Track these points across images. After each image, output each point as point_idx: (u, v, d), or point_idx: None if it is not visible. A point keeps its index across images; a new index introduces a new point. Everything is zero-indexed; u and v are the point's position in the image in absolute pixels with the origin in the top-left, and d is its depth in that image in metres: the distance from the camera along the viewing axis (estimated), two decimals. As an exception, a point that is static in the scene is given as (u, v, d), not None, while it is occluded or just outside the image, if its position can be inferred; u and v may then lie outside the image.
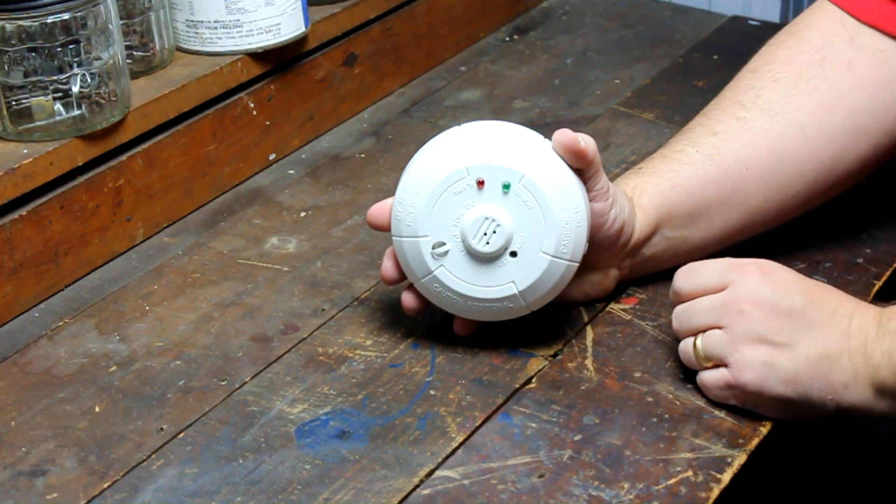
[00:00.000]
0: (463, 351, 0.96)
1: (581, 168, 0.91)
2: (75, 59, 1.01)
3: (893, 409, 0.86)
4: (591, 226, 0.92)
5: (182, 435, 0.89)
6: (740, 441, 0.87)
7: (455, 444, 0.87)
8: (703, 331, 0.89)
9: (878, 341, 0.85)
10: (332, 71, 1.26)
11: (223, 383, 0.94)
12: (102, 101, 1.04)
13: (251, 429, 0.89)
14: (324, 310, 1.01)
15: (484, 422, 0.89)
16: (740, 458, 0.85)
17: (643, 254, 0.99)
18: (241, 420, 0.90)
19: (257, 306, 1.02)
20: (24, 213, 1.00)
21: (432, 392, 0.92)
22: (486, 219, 0.90)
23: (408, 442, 0.87)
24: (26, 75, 1.00)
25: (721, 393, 0.88)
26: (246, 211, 1.15)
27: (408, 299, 0.95)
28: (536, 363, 0.94)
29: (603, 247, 0.95)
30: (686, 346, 0.90)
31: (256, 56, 1.17)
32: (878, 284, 1.01)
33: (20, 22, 0.98)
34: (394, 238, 0.93)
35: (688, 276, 0.90)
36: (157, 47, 1.13)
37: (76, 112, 1.03)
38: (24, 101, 1.02)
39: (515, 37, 1.44)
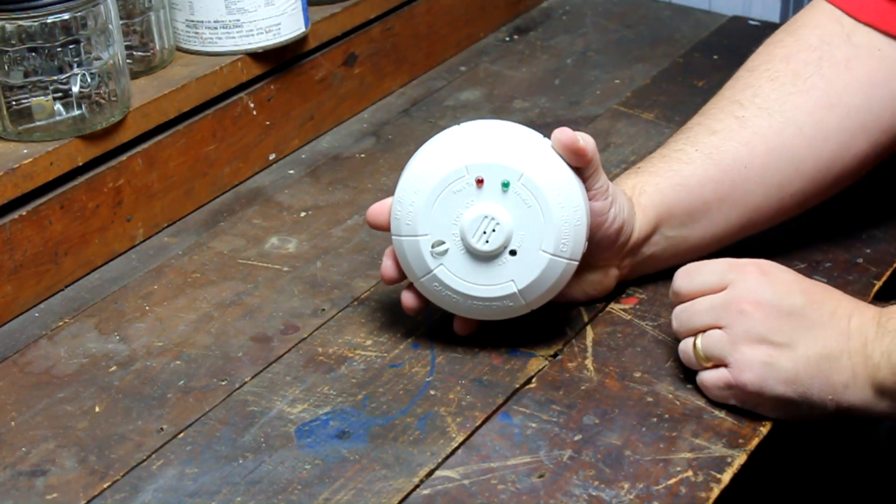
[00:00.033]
0: (463, 351, 0.96)
1: (580, 167, 0.91)
2: (75, 59, 1.01)
3: (893, 409, 0.86)
4: (591, 224, 0.92)
5: (182, 435, 0.89)
6: (740, 441, 0.87)
7: (455, 444, 0.87)
8: (703, 331, 0.89)
9: (877, 341, 0.85)
10: (332, 71, 1.26)
11: (223, 383, 0.94)
12: (102, 101, 1.04)
13: (251, 429, 0.89)
14: (324, 310, 1.01)
15: (484, 422, 0.89)
16: (740, 458, 0.85)
17: (643, 253, 0.99)
18: (241, 420, 0.90)
19: (257, 306, 1.02)
20: (24, 213, 1.00)
21: (432, 392, 0.92)
22: (486, 217, 0.90)
23: (408, 442, 0.87)
24: (26, 75, 1.00)
25: (721, 393, 0.88)
26: (246, 211, 1.15)
27: (407, 299, 0.95)
28: (536, 363, 0.94)
29: (602, 246, 0.95)
30: (686, 346, 0.90)
31: (256, 56, 1.17)
32: (878, 284, 1.01)
33: (20, 22, 0.98)
34: (393, 237, 0.93)
35: (688, 277, 0.91)
36: (157, 47, 1.13)
37: (76, 112, 1.03)
38: (24, 101, 1.02)
39: (515, 37, 1.44)
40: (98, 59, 1.02)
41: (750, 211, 1.00)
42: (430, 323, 0.98)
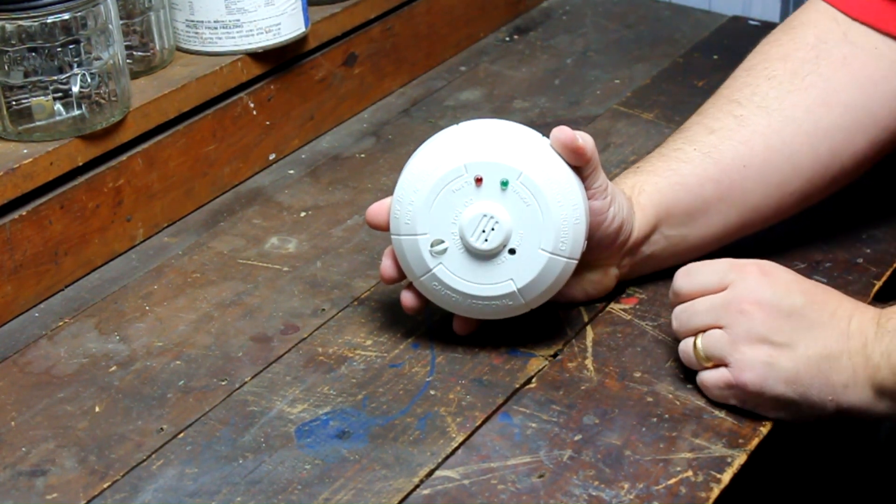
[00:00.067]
0: (463, 351, 0.96)
1: (579, 165, 0.91)
2: (75, 59, 1.01)
3: (893, 410, 0.86)
4: (590, 224, 0.92)
5: (182, 435, 0.89)
6: (740, 441, 0.87)
7: (455, 444, 0.87)
8: (704, 331, 0.89)
9: (876, 342, 0.85)
10: (332, 71, 1.26)
11: (223, 383, 0.94)
12: (102, 101, 1.04)
13: (251, 429, 0.89)
14: (324, 310, 1.01)
15: (484, 422, 0.89)
16: (740, 458, 0.85)
17: (643, 252, 0.99)
18: (241, 420, 0.90)
19: (257, 306, 1.02)
20: (24, 213, 1.00)
21: (432, 392, 0.92)
22: (485, 216, 0.90)
23: (408, 442, 0.87)
24: (26, 75, 1.00)
25: (721, 393, 0.88)
26: (246, 211, 1.15)
27: (407, 298, 0.95)
28: (536, 363, 0.94)
29: (602, 245, 0.95)
30: (686, 346, 0.90)
31: (256, 56, 1.17)
32: (878, 284, 1.01)
33: (20, 22, 0.98)
34: (392, 237, 0.93)
35: (688, 277, 0.91)
36: (157, 47, 1.13)
37: (76, 112, 1.03)
38: (24, 101, 1.02)
39: (515, 37, 1.44)
40: (98, 59, 1.02)
41: (749, 210, 1.00)
42: (430, 323, 0.98)
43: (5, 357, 0.97)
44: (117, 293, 1.04)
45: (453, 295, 0.92)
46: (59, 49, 1.00)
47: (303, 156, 1.23)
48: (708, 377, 0.89)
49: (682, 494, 0.82)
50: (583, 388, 0.92)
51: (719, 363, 0.88)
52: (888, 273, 1.03)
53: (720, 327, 0.88)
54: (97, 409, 0.92)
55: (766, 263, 0.89)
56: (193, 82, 1.12)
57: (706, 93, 1.05)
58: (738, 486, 0.85)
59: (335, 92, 1.26)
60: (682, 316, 0.90)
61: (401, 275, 0.94)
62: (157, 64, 1.13)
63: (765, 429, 0.88)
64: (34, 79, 1.01)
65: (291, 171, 1.21)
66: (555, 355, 0.95)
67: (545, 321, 0.98)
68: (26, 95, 1.01)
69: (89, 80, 1.02)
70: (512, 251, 0.91)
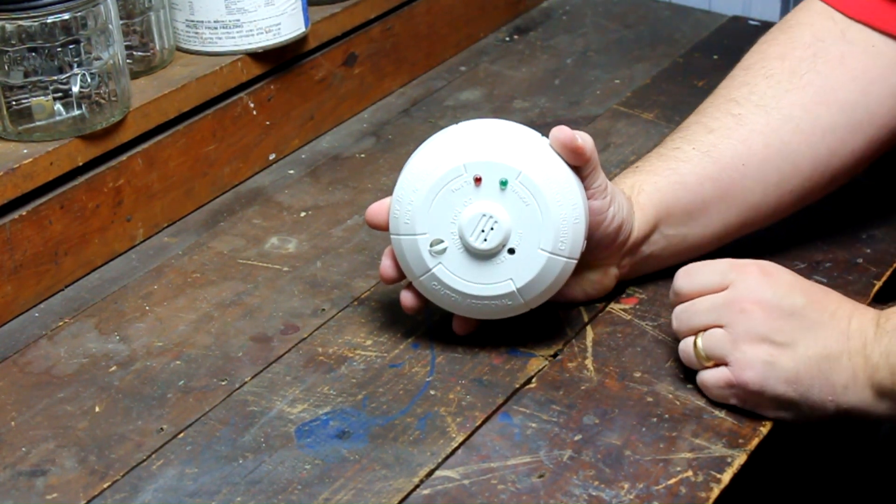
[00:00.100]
0: (463, 351, 0.96)
1: (579, 165, 0.91)
2: (75, 59, 1.01)
3: (893, 411, 0.86)
4: (590, 223, 0.92)
5: (182, 435, 0.89)
6: (740, 441, 0.87)
7: (455, 444, 0.87)
8: (704, 330, 0.89)
9: (876, 342, 0.85)
10: (332, 71, 1.26)
11: (223, 383, 0.94)
12: (102, 101, 1.04)
13: (251, 429, 0.89)
14: (324, 310, 1.01)
15: (484, 422, 0.89)
16: (740, 458, 0.85)
17: (642, 252, 0.99)
18: (241, 420, 0.90)
19: (257, 306, 1.02)
20: (24, 213, 1.00)
21: (432, 392, 0.92)
22: (484, 216, 0.90)
23: (408, 442, 0.87)
24: (26, 75, 1.00)
25: (721, 392, 0.88)
26: (246, 211, 1.15)
27: (407, 298, 0.95)
28: (536, 363, 0.94)
29: (602, 245, 0.95)
30: (686, 345, 0.90)
31: (256, 56, 1.17)
32: (878, 284, 1.01)
33: (20, 22, 0.98)
34: (392, 236, 0.93)
35: (688, 276, 0.91)
36: (157, 47, 1.13)
37: (76, 112, 1.03)
38: (24, 101, 1.02)
39: (515, 37, 1.44)
40: (98, 59, 1.02)
41: (748, 209, 1.00)
42: (430, 323, 0.98)
43: (5, 357, 0.97)
44: (117, 293, 1.04)
45: (453, 295, 0.92)
46: (59, 49, 1.00)
47: (303, 156, 1.23)
48: (708, 376, 0.89)
49: (682, 494, 0.82)
50: (583, 388, 0.92)
51: (719, 362, 0.88)
52: (888, 273, 1.03)
53: (721, 326, 0.88)
54: (97, 409, 0.92)
55: (767, 264, 0.89)
56: (193, 82, 1.12)
57: (706, 93, 1.05)
58: (738, 486, 0.85)
59: (335, 92, 1.26)
60: (682, 315, 0.90)
61: (400, 275, 0.94)
62: (157, 64, 1.13)
63: (765, 429, 0.88)
64: (34, 79, 1.01)
65: (291, 171, 1.21)
66: (555, 355, 0.95)
67: (545, 321, 0.98)
68: (26, 95, 1.01)
69: (89, 80, 1.02)
70: (511, 251, 0.91)
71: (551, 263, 0.90)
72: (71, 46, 1.00)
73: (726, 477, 0.84)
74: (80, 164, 1.04)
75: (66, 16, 0.99)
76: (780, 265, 0.89)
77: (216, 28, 1.14)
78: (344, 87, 1.27)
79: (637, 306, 1.00)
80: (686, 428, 0.88)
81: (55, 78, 1.01)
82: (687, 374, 0.92)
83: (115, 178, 1.07)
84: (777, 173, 0.99)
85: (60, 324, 1.01)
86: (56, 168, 1.02)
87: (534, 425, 0.88)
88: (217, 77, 1.14)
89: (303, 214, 1.14)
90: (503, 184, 0.90)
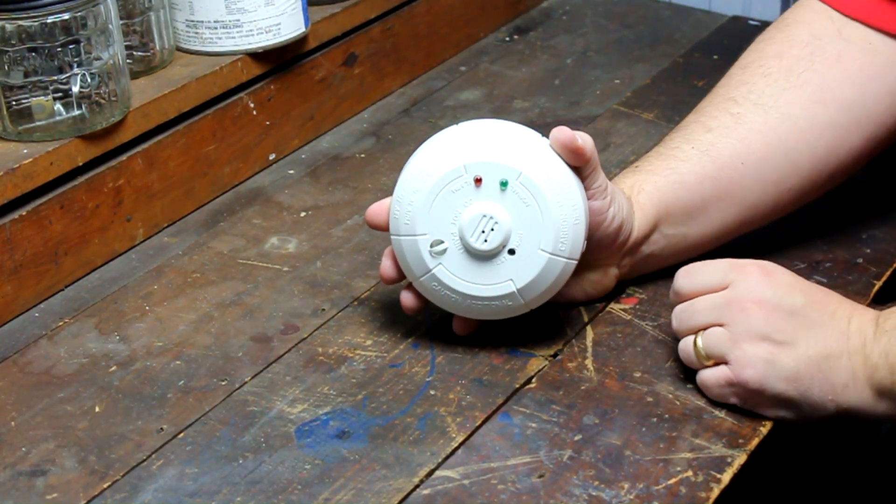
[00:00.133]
0: (463, 351, 0.96)
1: (579, 165, 0.91)
2: (75, 59, 1.01)
3: (892, 410, 0.86)
4: (590, 224, 0.92)
5: (182, 435, 0.89)
6: (740, 441, 0.87)
7: (455, 444, 0.87)
8: (704, 329, 0.89)
9: (875, 342, 0.85)
10: (332, 71, 1.26)
11: (223, 383, 0.94)
12: (102, 101, 1.04)
13: (251, 429, 0.89)
14: (324, 310, 1.01)
15: (484, 422, 0.89)
16: (740, 458, 0.85)
17: (642, 252, 0.99)
18: (241, 420, 0.90)
19: (257, 306, 1.02)
20: (24, 213, 1.00)
21: (432, 392, 0.92)
22: (484, 216, 0.90)
23: (408, 442, 0.87)
24: (26, 75, 1.00)
25: (721, 391, 0.88)
26: (246, 211, 1.15)
27: (407, 299, 0.95)
28: (536, 363, 0.94)
29: (602, 245, 0.95)
30: (686, 344, 0.90)
31: (256, 56, 1.17)
32: (878, 284, 1.01)
33: (20, 22, 0.98)
34: (392, 237, 0.93)
35: (688, 276, 0.91)
36: (157, 47, 1.13)
37: (76, 112, 1.03)
38: (24, 101, 1.02)
39: (515, 37, 1.44)
40: (98, 59, 1.02)
41: (747, 207, 1.00)
42: (430, 323, 0.98)
43: (5, 357, 0.97)
44: (117, 293, 1.04)
45: (453, 295, 0.92)
46: (59, 49, 1.00)
47: (303, 156, 1.23)
48: (708, 375, 0.89)
49: (682, 494, 0.82)
50: (583, 388, 0.92)
51: (719, 361, 0.88)
52: (888, 273, 1.03)
53: (721, 325, 0.88)
54: (97, 409, 0.92)
55: (767, 264, 0.89)
56: (193, 82, 1.12)
57: (706, 93, 1.05)
58: (738, 486, 0.85)
59: (335, 92, 1.26)
60: (682, 315, 0.90)
61: (400, 275, 0.94)
62: (157, 64, 1.13)
63: (765, 429, 0.88)
64: (34, 79, 1.01)
65: (291, 171, 1.21)
66: (555, 355, 0.95)
67: (545, 321, 0.98)
68: (26, 95, 1.01)
69: (89, 80, 1.02)
70: (511, 251, 0.91)
71: (552, 264, 0.91)
72: (71, 46, 1.00)
73: (726, 477, 0.84)
74: (80, 164, 1.04)
75: (66, 16, 0.99)
76: (780, 265, 0.89)
77: (216, 28, 1.14)
78: (344, 87, 1.27)
79: (637, 306, 1.00)
80: (686, 428, 0.88)
81: (55, 78, 1.01)
82: (687, 374, 0.92)
83: (115, 178, 1.07)
84: (776, 172, 0.99)
85: (60, 324, 1.01)
86: (56, 168, 1.02)
87: (534, 425, 0.89)
88: (217, 77, 1.14)
89: (303, 214, 1.14)
90: (503, 184, 0.90)
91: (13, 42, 0.99)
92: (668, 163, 0.99)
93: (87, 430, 0.90)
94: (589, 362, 0.94)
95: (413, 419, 0.89)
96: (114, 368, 0.96)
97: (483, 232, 0.90)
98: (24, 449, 0.88)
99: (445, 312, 0.95)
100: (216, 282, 1.05)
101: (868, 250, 1.05)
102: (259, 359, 0.96)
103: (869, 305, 0.96)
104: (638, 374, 0.93)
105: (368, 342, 0.97)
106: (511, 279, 0.91)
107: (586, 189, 0.92)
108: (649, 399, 0.91)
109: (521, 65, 1.37)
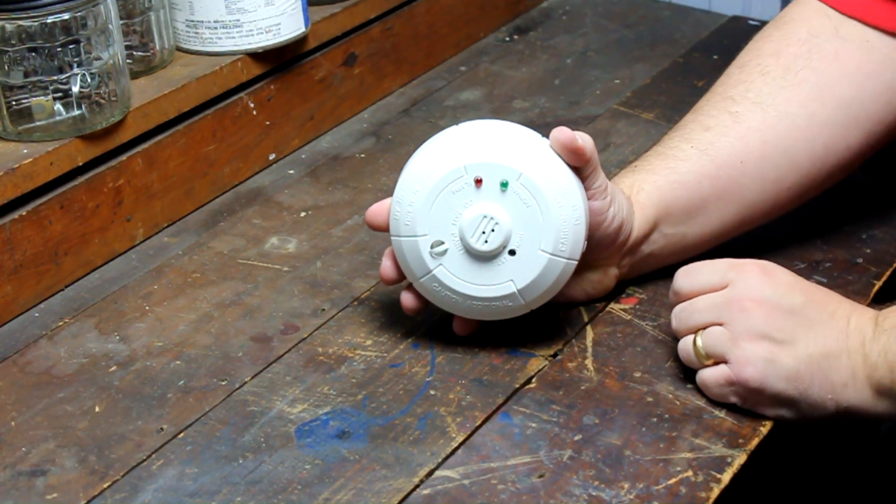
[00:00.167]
0: (463, 351, 0.96)
1: (579, 166, 0.91)
2: (75, 59, 1.01)
3: (892, 409, 0.86)
4: (590, 224, 0.92)
5: (182, 435, 0.89)
6: (740, 441, 0.87)
7: (455, 444, 0.87)
8: (704, 328, 0.89)
9: (874, 341, 0.85)
10: (332, 71, 1.26)
11: (223, 383, 0.94)
12: (102, 101, 1.04)
13: (251, 429, 0.89)
14: (324, 310, 1.01)
15: (484, 422, 0.89)
16: (740, 458, 0.85)
17: (642, 251, 0.99)
18: (241, 420, 0.90)
19: (257, 306, 1.02)
20: (24, 213, 1.00)
21: (432, 392, 0.92)
22: (485, 217, 0.90)
23: (408, 442, 0.87)
24: (26, 75, 1.00)
25: (721, 391, 0.88)
26: (246, 211, 1.15)
27: (407, 299, 0.95)
28: (536, 363, 0.94)
29: (602, 245, 0.95)
30: (686, 344, 0.90)
31: (256, 56, 1.17)
32: (878, 284, 1.01)
33: (20, 22, 0.98)
34: (392, 238, 0.93)
35: (688, 276, 0.91)
36: (157, 47, 1.13)
37: (76, 112, 1.03)
38: (24, 101, 1.02)
39: (515, 37, 1.44)
40: (98, 59, 1.02)
41: (746, 206, 1.00)
42: (430, 323, 0.98)
43: (5, 357, 0.97)
44: (117, 293, 1.04)
45: (453, 296, 0.92)
46: (59, 49, 1.00)
47: (303, 156, 1.23)
48: (708, 375, 0.89)
49: (682, 494, 0.82)
50: (583, 388, 0.92)
51: (719, 360, 0.88)
52: (888, 273, 1.03)
53: (720, 325, 0.88)
54: (97, 409, 0.92)
55: (766, 263, 0.89)
56: (193, 82, 1.12)
57: (706, 92, 1.05)
58: (738, 486, 0.85)
59: (335, 92, 1.26)
60: (682, 314, 0.90)
61: (401, 276, 0.94)
62: (157, 64, 1.13)
63: (765, 429, 0.88)
64: (34, 79, 1.01)
65: (291, 171, 1.21)
66: (555, 355, 0.95)
67: (545, 321, 0.98)
68: (26, 95, 1.01)
69: (89, 80, 1.02)
70: (512, 252, 0.91)
71: (552, 264, 0.91)
72: (71, 46, 1.00)
73: (726, 477, 0.84)
74: (80, 164, 1.04)
75: (66, 16, 0.99)
76: (780, 265, 0.89)
77: (216, 28, 1.14)
78: (344, 87, 1.27)
79: (637, 306, 1.00)
80: (686, 428, 0.88)
81: (55, 78, 1.01)
82: (687, 373, 0.92)
83: (115, 178, 1.07)
84: (774, 170, 0.99)
85: (60, 324, 1.01)
86: (56, 168, 1.02)
87: (534, 425, 0.89)
88: (217, 77, 1.14)
89: (303, 214, 1.14)
90: (504, 185, 0.90)
91: (13, 42, 0.99)
92: (667, 162, 0.99)
93: (87, 430, 0.90)
94: (589, 362, 0.94)
95: (413, 419, 0.89)
96: (114, 368, 0.96)
97: (483, 233, 0.90)
98: (24, 449, 0.88)
99: (445, 313, 0.95)
100: (216, 282, 1.05)
101: (868, 250, 1.05)
102: (259, 359, 0.96)
103: (869, 305, 0.96)
104: (638, 374, 0.93)
105: (368, 342, 0.97)
106: (511, 280, 0.91)
107: (586, 189, 0.92)
108: (649, 399, 0.91)
109: (520, 65, 1.37)
